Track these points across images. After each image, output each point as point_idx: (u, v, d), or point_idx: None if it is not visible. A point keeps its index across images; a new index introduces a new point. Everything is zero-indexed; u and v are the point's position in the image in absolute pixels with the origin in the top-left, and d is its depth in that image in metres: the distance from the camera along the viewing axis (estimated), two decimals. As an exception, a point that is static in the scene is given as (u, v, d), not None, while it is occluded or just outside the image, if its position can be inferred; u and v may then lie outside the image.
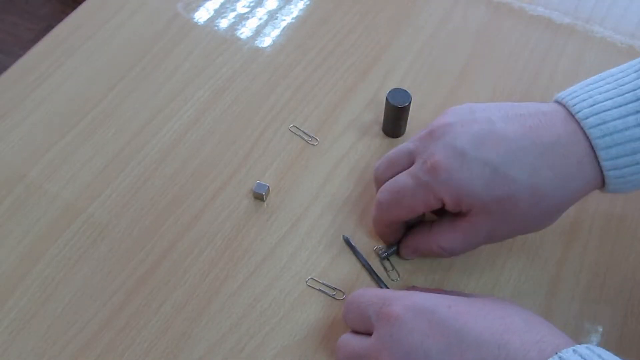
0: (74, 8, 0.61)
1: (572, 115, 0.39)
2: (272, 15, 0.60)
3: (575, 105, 0.39)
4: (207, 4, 0.61)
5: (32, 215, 0.47)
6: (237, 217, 0.47)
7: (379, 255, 0.45)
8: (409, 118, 0.50)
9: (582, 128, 0.38)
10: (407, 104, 0.48)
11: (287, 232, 0.46)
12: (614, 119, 0.37)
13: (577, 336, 0.41)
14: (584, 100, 0.38)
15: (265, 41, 0.58)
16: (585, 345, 0.31)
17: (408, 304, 0.35)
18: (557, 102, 0.40)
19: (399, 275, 0.44)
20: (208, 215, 0.47)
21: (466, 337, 0.32)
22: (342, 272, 0.44)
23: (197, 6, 0.61)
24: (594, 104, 0.38)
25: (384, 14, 0.60)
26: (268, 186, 0.47)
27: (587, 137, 0.38)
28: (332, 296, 0.43)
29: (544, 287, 0.43)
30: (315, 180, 0.49)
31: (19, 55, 0.57)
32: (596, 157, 0.38)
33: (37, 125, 0.52)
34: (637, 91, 0.37)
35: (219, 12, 0.60)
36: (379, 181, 0.43)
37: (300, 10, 0.61)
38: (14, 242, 0.45)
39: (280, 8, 0.61)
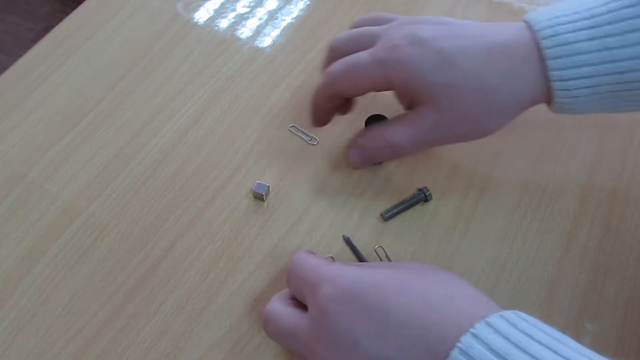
0: (74, 8, 0.61)
1: (530, 27, 0.41)
2: (272, 15, 0.60)
3: (533, 18, 0.42)
4: (207, 4, 0.61)
5: (32, 215, 0.47)
6: (237, 217, 0.47)
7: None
8: None
9: (536, 38, 0.40)
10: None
11: (287, 232, 0.46)
12: (567, 32, 0.40)
13: (577, 336, 0.41)
14: (543, 15, 0.41)
15: (265, 41, 0.58)
16: (499, 313, 0.31)
17: (335, 289, 0.35)
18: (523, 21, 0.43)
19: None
20: (208, 215, 0.47)
21: (391, 319, 0.33)
22: (342, 272, 0.44)
23: (197, 6, 0.61)
24: (551, 18, 0.41)
25: (384, 14, 0.60)
26: (268, 186, 0.47)
27: (540, 47, 0.40)
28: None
29: (544, 287, 0.43)
30: (315, 180, 0.49)
31: (19, 55, 0.57)
32: (545, 66, 0.40)
33: (37, 125, 0.52)
34: (592, 10, 0.40)
35: (219, 12, 0.60)
36: (335, 52, 0.46)
37: (300, 10, 0.61)
38: (14, 242, 0.46)
39: (280, 8, 0.61)
